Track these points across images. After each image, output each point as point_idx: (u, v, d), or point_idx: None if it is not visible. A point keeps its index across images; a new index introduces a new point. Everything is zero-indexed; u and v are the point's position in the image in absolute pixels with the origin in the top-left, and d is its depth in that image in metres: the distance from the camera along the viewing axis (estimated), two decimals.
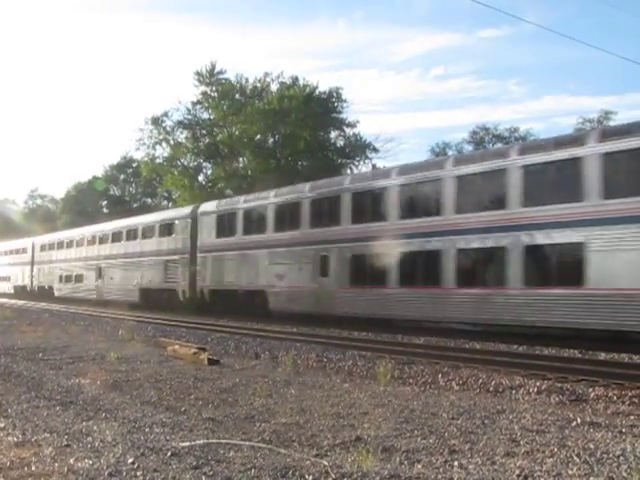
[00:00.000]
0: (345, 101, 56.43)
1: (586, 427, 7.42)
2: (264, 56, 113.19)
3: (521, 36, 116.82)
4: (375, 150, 57.41)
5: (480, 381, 11.05)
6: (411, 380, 11.55)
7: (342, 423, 7.59)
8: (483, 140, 67.14)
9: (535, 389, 10.31)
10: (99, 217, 62.62)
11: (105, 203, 74.10)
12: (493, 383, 10.85)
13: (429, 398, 9.52)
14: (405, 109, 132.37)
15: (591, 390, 10.23)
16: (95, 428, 7.11)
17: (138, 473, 5.43)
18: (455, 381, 11.22)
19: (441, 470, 5.64)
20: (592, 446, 6.45)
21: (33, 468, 5.52)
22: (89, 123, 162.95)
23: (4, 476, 5.29)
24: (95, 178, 73.34)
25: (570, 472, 5.58)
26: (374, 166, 63.45)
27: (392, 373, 11.91)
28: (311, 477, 5.38)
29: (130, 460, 5.80)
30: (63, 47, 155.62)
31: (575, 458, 6.00)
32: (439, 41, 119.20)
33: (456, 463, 5.85)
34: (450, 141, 73.22)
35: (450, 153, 68.25)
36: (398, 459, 5.99)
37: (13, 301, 42.53)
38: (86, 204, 68.51)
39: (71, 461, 5.74)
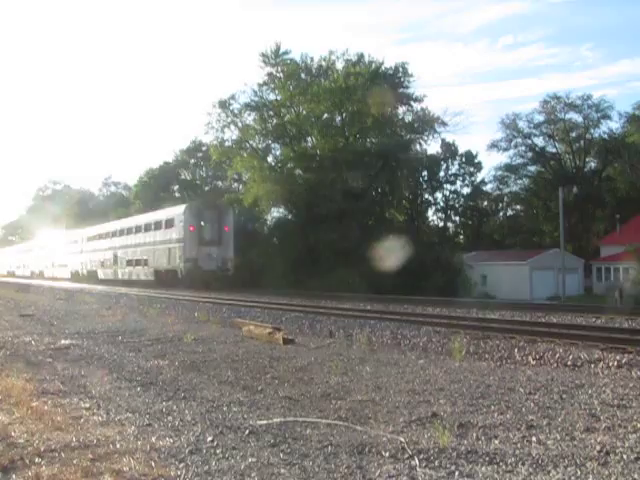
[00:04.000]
0: (412, 76, 55.69)
1: None
2: (328, 34, 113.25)
3: None
4: (444, 124, 56.61)
5: (557, 355, 10.83)
6: (486, 355, 11.44)
7: (418, 399, 7.60)
8: (555, 109, 65.36)
9: (615, 363, 10.05)
10: (171, 201, 63.86)
11: (177, 187, 75.23)
12: (571, 357, 10.61)
13: (505, 373, 9.43)
14: (473, 81, 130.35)
15: None
16: (175, 408, 7.31)
17: (217, 451, 5.57)
18: (531, 356, 11.04)
19: (519, 446, 5.60)
20: None
21: (118, 446, 5.74)
22: (159, 110, 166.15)
23: (92, 453, 5.50)
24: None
25: None
26: (443, 140, 62.75)
27: (467, 348, 11.84)
28: (387, 454, 5.42)
29: (209, 438, 5.96)
30: (132, 35, 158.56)
31: None
32: (508, 9, 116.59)
33: (534, 439, 5.80)
34: (520, 112, 71.51)
35: (521, 124, 66.89)
36: (475, 435, 5.97)
37: (78, 285, 44.49)
38: (158, 189, 69.71)
39: (153, 439, 5.94)
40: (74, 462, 5.24)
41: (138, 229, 44.44)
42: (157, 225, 41.90)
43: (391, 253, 40.10)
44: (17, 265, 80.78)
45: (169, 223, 39.85)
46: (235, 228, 41.64)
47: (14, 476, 4.99)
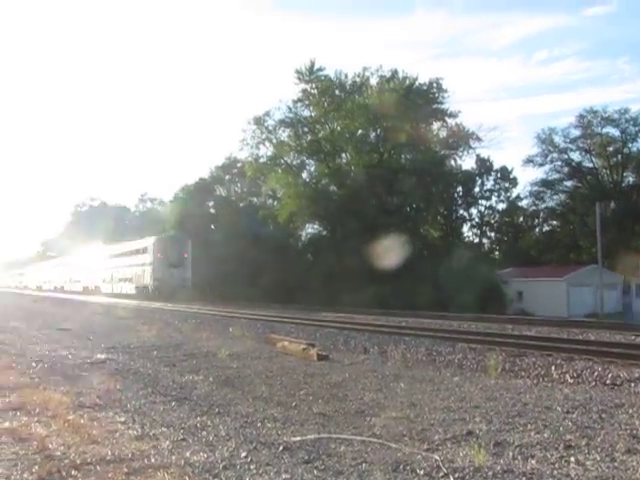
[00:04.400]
0: (446, 91, 55.69)
1: None
2: (362, 51, 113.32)
3: (632, 11, 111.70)
4: (479, 139, 56.38)
5: (596, 374, 10.64)
6: (523, 373, 11.29)
7: (453, 417, 7.52)
8: (591, 124, 64.57)
9: None
10: (206, 217, 64.35)
11: (212, 204, 75.64)
12: (610, 375, 10.41)
13: (542, 391, 9.29)
14: (508, 96, 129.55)
15: None
16: (209, 423, 7.32)
17: (251, 467, 5.57)
18: (569, 374, 10.87)
19: (557, 466, 5.50)
20: None
21: (152, 460, 5.77)
22: (195, 127, 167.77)
23: (127, 466, 5.54)
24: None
25: None
26: (478, 156, 62.38)
27: (503, 366, 11.70)
28: (422, 472, 5.37)
29: (243, 454, 5.96)
30: (170, 52, 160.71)
31: None
32: (542, 24, 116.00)
33: (572, 459, 5.69)
34: (556, 127, 70.77)
35: (557, 139, 66.14)
36: (511, 454, 5.89)
37: (113, 300, 45.44)
38: (193, 205, 70.15)
39: (187, 454, 5.95)
40: (109, 475, 5.28)
41: (125, 254, 54.61)
42: (137, 251, 51.64)
43: (425, 269, 39.92)
44: (43, 280, 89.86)
45: (144, 250, 49.94)
46: (206, 252, 51.87)
47: None
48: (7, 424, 7.17)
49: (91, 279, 64.46)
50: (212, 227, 62.62)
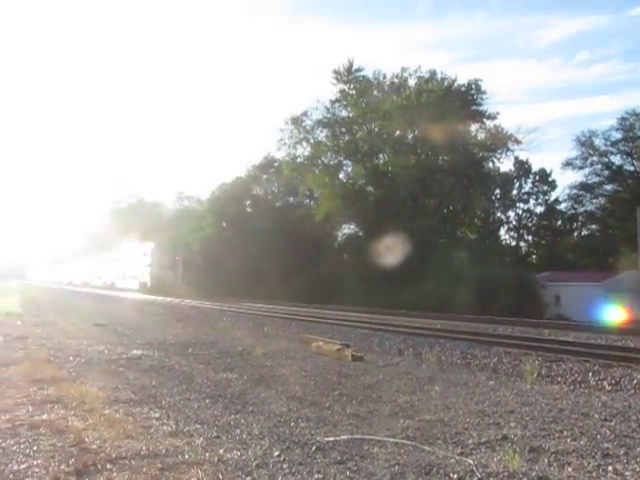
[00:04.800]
0: (484, 93, 55.31)
1: None
2: (401, 52, 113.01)
3: None
4: (517, 142, 55.80)
5: (635, 381, 10.45)
6: (559, 378, 11.15)
7: (487, 421, 7.45)
8: (633, 127, 63.45)
9: None
10: (243, 216, 64.64)
11: (249, 202, 75.98)
12: None
13: (579, 398, 9.15)
14: (547, 98, 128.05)
15: None
16: (243, 421, 7.34)
17: (284, 466, 5.57)
18: (607, 381, 10.70)
19: (594, 475, 5.40)
20: None
21: (186, 457, 5.79)
22: (233, 126, 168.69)
23: (161, 462, 5.58)
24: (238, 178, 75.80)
25: None
26: (516, 158, 61.72)
27: (539, 371, 11.58)
28: (456, 476, 5.32)
29: (276, 453, 5.96)
30: (208, 52, 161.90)
31: None
32: (583, 24, 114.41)
33: (610, 468, 5.58)
34: (596, 129, 69.67)
35: (597, 142, 65.11)
36: (546, 460, 5.80)
37: (150, 297, 46.66)
38: (230, 204, 70.49)
39: (221, 452, 5.97)
40: (143, 470, 5.33)
41: (136, 255, 65.33)
42: (140, 254, 62.99)
43: (461, 271, 39.65)
44: (78, 276, 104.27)
45: (145, 253, 61.65)
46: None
47: None
48: (45, 416, 7.28)
49: (109, 276, 78.62)
50: (248, 226, 62.88)
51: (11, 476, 5.20)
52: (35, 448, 5.96)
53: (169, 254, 59.05)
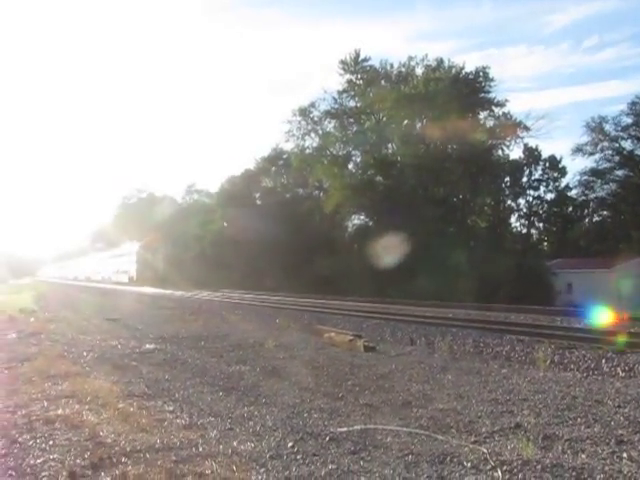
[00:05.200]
0: (493, 80, 55.01)
1: None
2: (407, 40, 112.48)
3: None
4: (526, 129, 55.52)
5: None
6: (572, 366, 11.11)
7: (500, 409, 7.45)
8: None
9: None
10: (253, 208, 64.58)
11: (258, 195, 75.91)
12: None
13: (592, 385, 9.13)
14: (556, 84, 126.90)
15: None
16: (256, 413, 7.37)
17: (298, 457, 5.59)
18: (620, 367, 10.66)
19: (608, 462, 5.39)
20: None
21: (200, 449, 5.84)
22: (240, 118, 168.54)
23: (175, 455, 5.62)
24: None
25: None
26: (526, 145, 61.40)
27: (552, 358, 11.56)
28: (469, 464, 5.32)
29: (290, 444, 5.99)
30: (214, 44, 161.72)
31: None
32: (591, 9, 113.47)
33: (625, 455, 5.56)
34: (607, 114, 69.11)
35: (607, 127, 64.63)
36: (560, 448, 5.79)
37: (160, 291, 46.98)
38: (240, 197, 70.41)
39: (234, 444, 6.01)
40: (158, 463, 5.36)
41: (124, 254, 77.77)
42: (128, 253, 74.98)
43: (472, 260, 39.57)
44: (78, 273, 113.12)
45: (132, 252, 73.26)
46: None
47: (103, 474, 5.15)
48: (60, 411, 7.33)
49: (107, 271, 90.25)
50: (257, 218, 63.04)
51: (28, 470, 5.25)
52: (51, 443, 6.02)
53: (152, 253, 69.55)
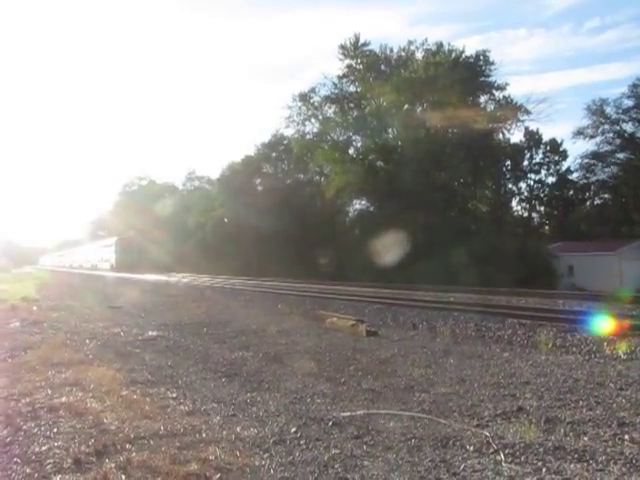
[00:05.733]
0: (493, 63, 54.85)
1: None
2: (407, 25, 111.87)
3: None
4: (527, 112, 55.37)
5: None
6: (574, 349, 11.10)
7: (503, 393, 7.47)
8: None
9: None
10: (253, 195, 64.43)
11: (259, 181, 75.79)
12: None
13: (594, 367, 9.14)
14: (557, 67, 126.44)
15: None
16: (259, 399, 7.40)
17: (301, 442, 5.62)
18: (622, 350, 10.68)
19: (610, 444, 5.41)
20: None
21: (203, 435, 5.87)
22: (240, 104, 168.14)
23: (179, 441, 5.66)
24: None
25: None
26: (527, 129, 61.20)
27: (554, 341, 11.55)
28: (472, 448, 5.35)
29: (293, 429, 6.01)
30: (213, 31, 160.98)
31: None
32: None
33: (627, 437, 5.58)
34: (608, 97, 68.90)
35: (608, 110, 64.40)
36: (562, 430, 5.81)
37: (163, 278, 46.83)
38: (241, 183, 70.29)
39: (238, 429, 6.04)
40: (162, 449, 5.40)
41: (107, 245, 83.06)
42: (110, 244, 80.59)
43: (473, 244, 39.56)
44: (70, 262, 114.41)
45: (111, 244, 79.33)
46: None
47: (107, 460, 5.17)
48: (64, 399, 7.36)
49: (94, 260, 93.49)
50: (258, 204, 62.97)
51: (33, 457, 5.29)
52: (55, 430, 6.06)
53: (129, 244, 75.65)
